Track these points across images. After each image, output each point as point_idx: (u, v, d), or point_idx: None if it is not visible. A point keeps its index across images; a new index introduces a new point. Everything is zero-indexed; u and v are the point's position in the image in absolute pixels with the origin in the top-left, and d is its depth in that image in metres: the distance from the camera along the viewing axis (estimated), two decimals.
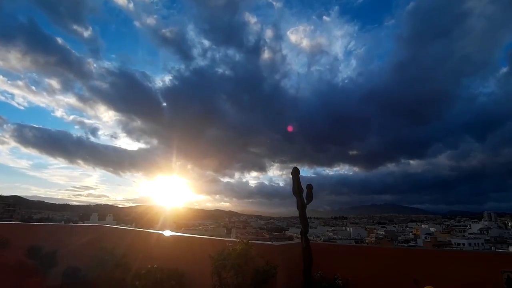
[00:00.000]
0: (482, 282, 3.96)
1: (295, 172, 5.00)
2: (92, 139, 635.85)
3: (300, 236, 4.80)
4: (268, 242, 5.28)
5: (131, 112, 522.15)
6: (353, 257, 5.21)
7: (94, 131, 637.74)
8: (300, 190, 4.88)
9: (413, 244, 58.81)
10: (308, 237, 4.74)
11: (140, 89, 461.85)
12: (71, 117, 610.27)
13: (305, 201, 4.89)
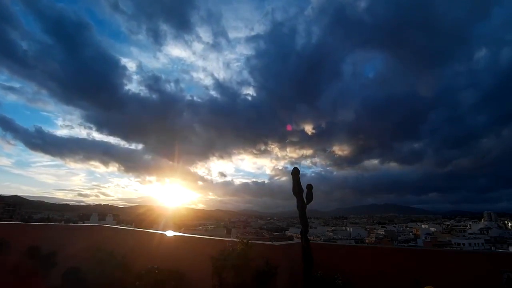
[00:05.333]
0: (482, 282, 3.97)
1: (295, 172, 5.00)
2: None
3: (300, 236, 4.80)
4: (268, 242, 5.29)
5: None
6: (353, 257, 5.22)
7: None
8: (300, 190, 4.88)
9: (413, 244, 58.74)
10: (308, 237, 4.74)
11: None
12: None
13: (305, 201, 4.89)
